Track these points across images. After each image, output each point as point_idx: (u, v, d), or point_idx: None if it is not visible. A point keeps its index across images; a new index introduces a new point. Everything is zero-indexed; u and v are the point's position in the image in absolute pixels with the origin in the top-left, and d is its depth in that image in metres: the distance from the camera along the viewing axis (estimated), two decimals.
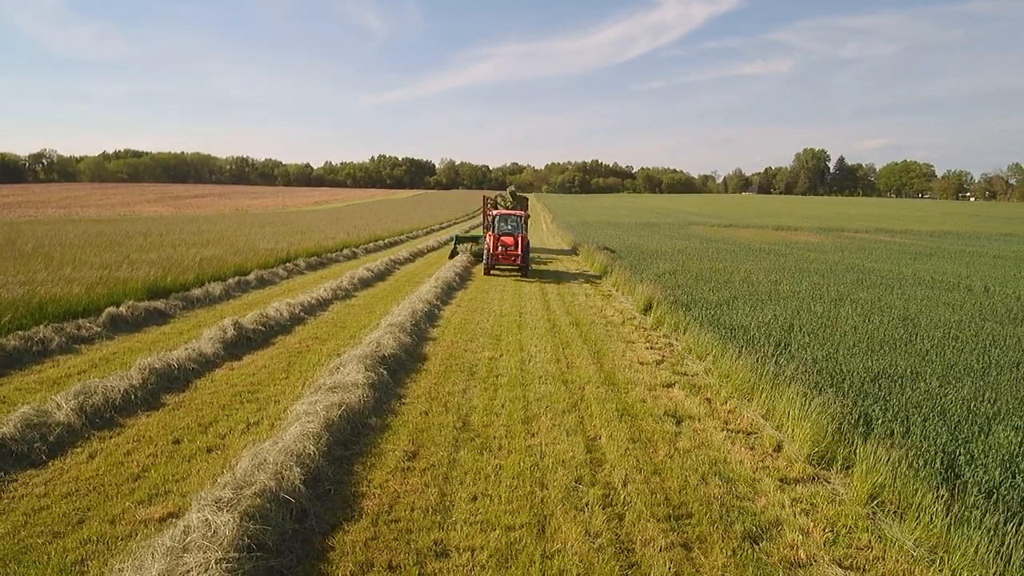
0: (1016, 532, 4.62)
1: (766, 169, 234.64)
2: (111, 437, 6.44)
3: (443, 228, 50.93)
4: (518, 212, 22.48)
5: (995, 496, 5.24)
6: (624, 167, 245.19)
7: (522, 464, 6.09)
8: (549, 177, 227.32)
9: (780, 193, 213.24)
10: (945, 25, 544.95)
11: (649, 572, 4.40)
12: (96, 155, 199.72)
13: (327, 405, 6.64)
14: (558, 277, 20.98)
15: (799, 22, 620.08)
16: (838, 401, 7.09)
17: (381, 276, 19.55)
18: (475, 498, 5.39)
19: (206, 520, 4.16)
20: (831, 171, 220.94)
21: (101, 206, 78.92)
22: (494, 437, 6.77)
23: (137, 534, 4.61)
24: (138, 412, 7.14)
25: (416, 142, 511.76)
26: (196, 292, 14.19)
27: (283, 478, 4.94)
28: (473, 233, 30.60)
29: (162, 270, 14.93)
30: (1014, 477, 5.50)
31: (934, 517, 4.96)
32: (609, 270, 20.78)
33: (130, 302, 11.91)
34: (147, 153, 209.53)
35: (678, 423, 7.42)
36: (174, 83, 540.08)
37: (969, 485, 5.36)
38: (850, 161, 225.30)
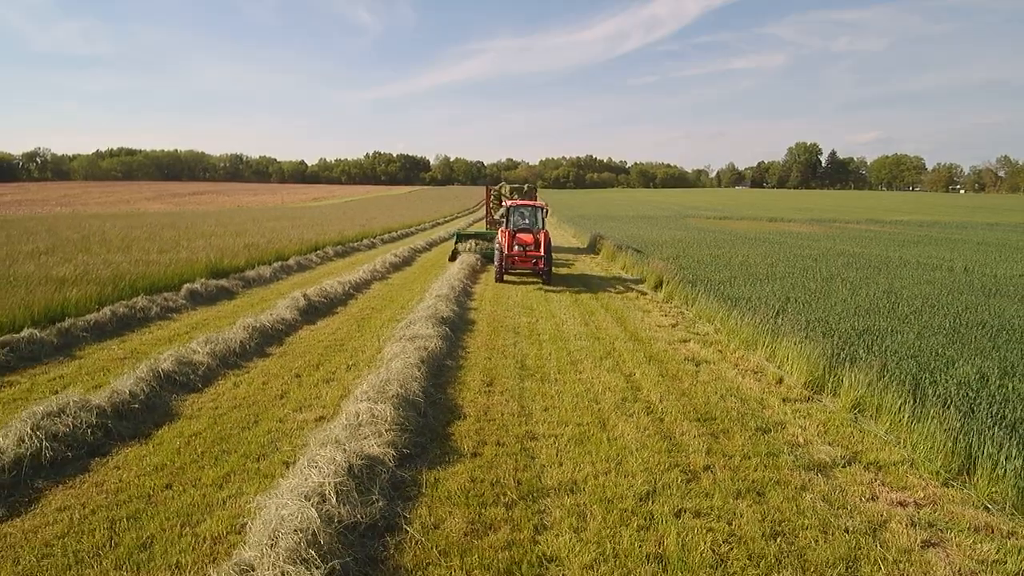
0: (962, 425, 6.19)
1: (759, 163, 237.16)
2: (243, 373, 7.97)
3: (447, 221, 52.42)
4: (537, 203, 18.52)
5: (949, 404, 6.82)
6: (618, 162, 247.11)
7: (577, 390, 7.65)
8: (544, 172, 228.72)
9: (773, 187, 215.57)
10: (935, 19, 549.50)
11: (688, 448, 5.96)
12: (89, 153, 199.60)
13: (414, 349, 8.18)
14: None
15: (791, 16, 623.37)
16: (829, 345, 8.67)
17: (407, 262, 21.07)
18: (547, 409, 6.95)
19: (370, 409, 5.70)
20: (823, 165, 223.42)
21: (102, 203, 79.50)
22: (549, 374, 8.33)
23: (303, 428, 6.14)
24: (253, 358, 8.66)
25: (410, 138, 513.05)
26: (250, 273, 15.68)
27: (407, 388, 6.49)
28: (475, 229, 27.00)
29: (219, 254, 16.39)
30: (966, 393, 7.08)
31: (902, 416, 6.54)
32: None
33: (201, 280, 13.41)
34: (140, 151, 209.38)
35: (696, 365, 9.00)
36: (164, 80, 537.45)
37: (930, 396, 6.94)
38: (842, 155, 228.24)
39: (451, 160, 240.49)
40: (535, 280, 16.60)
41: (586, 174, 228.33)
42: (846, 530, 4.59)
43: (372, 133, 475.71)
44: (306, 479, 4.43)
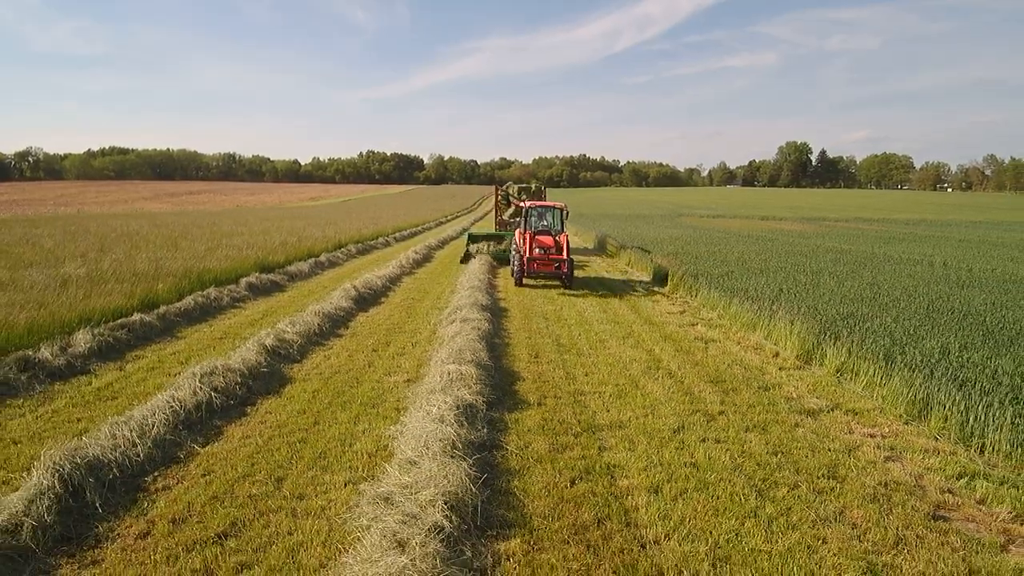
0: (922, 383, 7.78)
1: (750, 162, 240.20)
2: (328, 349, 9.49)
3: (449, 220, 53.95)
4: (556, 204, 17.80)
5: (914, 369, 8.43)
6: (611, 161, 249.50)
7: (608, 360, 9.22)
8: (537, 171, 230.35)
9: (764, 185, 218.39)
10: (931, 18, 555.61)
11: (705, 400, 7.54)
12: (81, 153, 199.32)
13: (470, 329, 9.73)
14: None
15: (785, 14, 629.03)
16: (817, 326, 10.27)
17: (427, 258, 22.59)
18: (587, 374, 8.51)
19: (457, 369, 7.25)
20: (813, 164, 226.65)
21: (100, 203, 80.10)
22: (583, 349, 9.89)
23: (397, 387, 7.66)
24: (330, 338, 10.18)
25: (405, 137, 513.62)
26: (291, 269, 17.17)
27: (477, 356, 8.05)
28: (477, 227, 26.77)
29: (262, 252, 17.84)
30: (928, 361, 8.69)
31: (875, 378, 8.14)
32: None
33: (255, 274, 14.89)
34: (133, 150, 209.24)
35: (705, 343, 10.59)
36: (157, 79, 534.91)
37: (899, 363, 8.55)
38: (832, 154, 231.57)
39: (445, 159, 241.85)
40: (555, 284, 16.44)
41: (579, 173, 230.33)
42: (828, 450, 6.18)
43: (366, 132, 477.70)
44: (429, 412, 5.96)
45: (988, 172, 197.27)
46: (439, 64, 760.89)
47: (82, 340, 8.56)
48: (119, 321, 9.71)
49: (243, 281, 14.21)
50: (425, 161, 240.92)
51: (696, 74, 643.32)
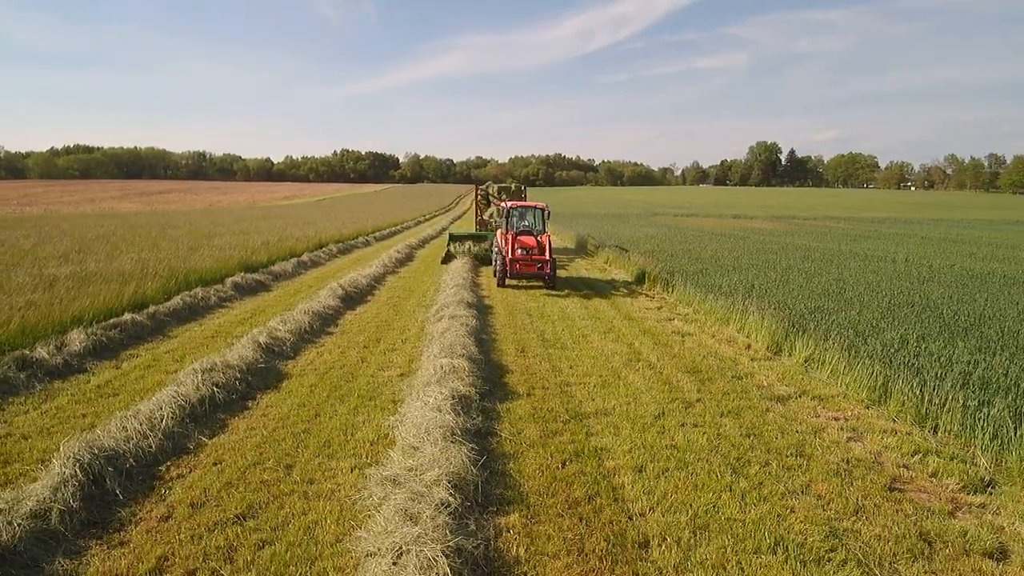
0: (882, 371, 8.38)
1: (722, 162, 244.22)
2: (320, 346, 9.75)
3: (427, 220, 54.10)
4: (538, 204, 17.86)
5: (875, 358, 9.05)
6: (586, 160, 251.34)
7: (591, 354, 9.67)
8: (513, 171, 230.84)
9: (735, 184, 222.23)
10: (896, 21, 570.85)
11: (683, 389, 8.03)
12: (44, 151, 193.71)
13: (459, 325, 10.08)
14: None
15: (756, 16, 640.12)
16: (786, 320, 10.87)
17: (409, 258, 22.84)
18: (572, 367, 8.94)
19: (450, 363, 7.61)
20: (783, 163, 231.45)
21: (66, 203, 77.93)
22: (566, 343, 10.33)
23: (391, 381, 7.99)
24: (320, 335, 10.43)
25: (379, 136, 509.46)
26: (274, 268, 17.29)
27: (468, 350, 8.42)
28: (456, 227, 25.78)
29: (245, 252, 17.91)
30: (888, 351, 9.32)
31: (839, 367, 8.72)
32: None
33: (240, 274, 15.01)
34: (99, 148, 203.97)
35: (682, 337, 11.11)
36: (124, 76, 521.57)
37: (861, 353, 9.16)
38: (801, 153, 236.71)
39: (421, 158, 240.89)
40: (537, 284, 16.31)
41: (555, 172, 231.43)
42: (796, 432, 6.71)
43: (340, 131, 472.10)
44: (427, 402, 6.32)
45: (949, 171, 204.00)
46: (415, 61, 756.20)
47: (77, 339, 8.69)
48: (111, 321, 9.83)
49: (228, 281, 14.32)
50: (401, 160, 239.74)
51: (670, 74, 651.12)
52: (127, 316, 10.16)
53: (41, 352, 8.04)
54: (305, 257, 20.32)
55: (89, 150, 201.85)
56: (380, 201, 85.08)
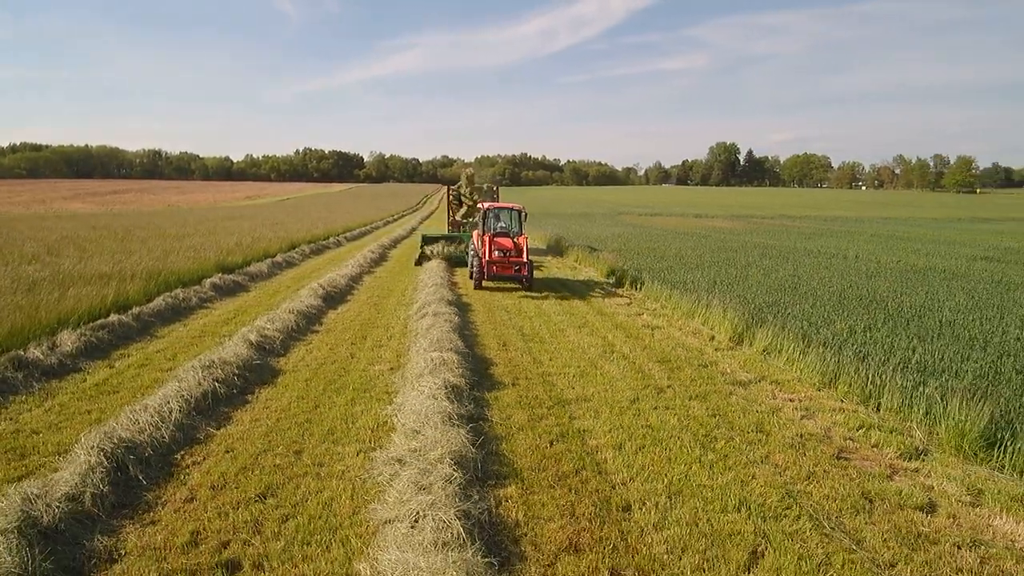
0: (831, 357, 9.21)
1: (683, 162, 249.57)
2: (308, 344, 10.10)
3: (396, 220, 54.14)
4: (514, 205, 17.80)
5: (826, 346, 9.91)
6: (552, 160, 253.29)
7: (569, 347, 10.28)
8: (479, 171, 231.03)
9: (696, 184, 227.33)
10: (850, 25, 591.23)
11: (655, 377, 8.70)
12: None
13: (443, 321, 10.57)
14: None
15: (715, 19, 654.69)
16: (747, 313, 11.70)
17: (383, 257, 23.13)
18: (551, 359, 9.53)
19: (440, 356, 8.10)
20: (742, 163, 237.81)
21: (14, 203, 74.73)
22: (544, 338, 10.92)
23: (382, 375, 8.43)
24: (307, 333, 10.78)
25: (342, 136, 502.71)
26: (250, 269, 17.40)
27: (455, 345, 8.92)
28: (431, 231, 25.78)
29: (220, 253, 17.96)
30: (837, 339, 10.21)
31: (794, 355, 9.54)
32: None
33: (218, 275, 15.13)
34: (47, 146, 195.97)
35: (652, 330, 11.83)
36: (68, 70, 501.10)
37: (814, 341, 10.01)
38: (758, 154, 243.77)
39: (386, 157, 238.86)
40: (515, 286, 16.24)
41: (521, 172, 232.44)
42: (756, 411, 7.44)
43: (302, 130, 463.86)
44: (422, 391, 6.82)
45: (898, 171, 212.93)
46: (375, 58, 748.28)
47: (68, 340, 8.86)
48: (99, 322, 9.98)
49: (207, 282, 14.45)
50: (365, 159, 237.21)
51: (632, 75, 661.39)
52: (113, 317, 10.31)
53: (35, 353, 8.21)
54: (279, 258, 20.42)
55: (37, 148, 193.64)
56: (346, 201, 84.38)
